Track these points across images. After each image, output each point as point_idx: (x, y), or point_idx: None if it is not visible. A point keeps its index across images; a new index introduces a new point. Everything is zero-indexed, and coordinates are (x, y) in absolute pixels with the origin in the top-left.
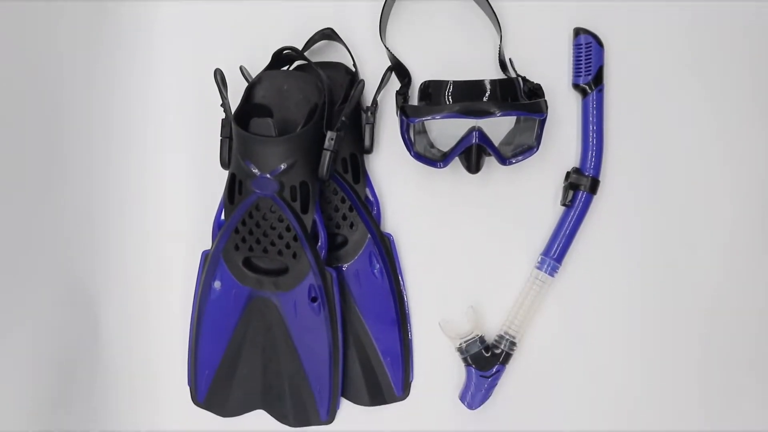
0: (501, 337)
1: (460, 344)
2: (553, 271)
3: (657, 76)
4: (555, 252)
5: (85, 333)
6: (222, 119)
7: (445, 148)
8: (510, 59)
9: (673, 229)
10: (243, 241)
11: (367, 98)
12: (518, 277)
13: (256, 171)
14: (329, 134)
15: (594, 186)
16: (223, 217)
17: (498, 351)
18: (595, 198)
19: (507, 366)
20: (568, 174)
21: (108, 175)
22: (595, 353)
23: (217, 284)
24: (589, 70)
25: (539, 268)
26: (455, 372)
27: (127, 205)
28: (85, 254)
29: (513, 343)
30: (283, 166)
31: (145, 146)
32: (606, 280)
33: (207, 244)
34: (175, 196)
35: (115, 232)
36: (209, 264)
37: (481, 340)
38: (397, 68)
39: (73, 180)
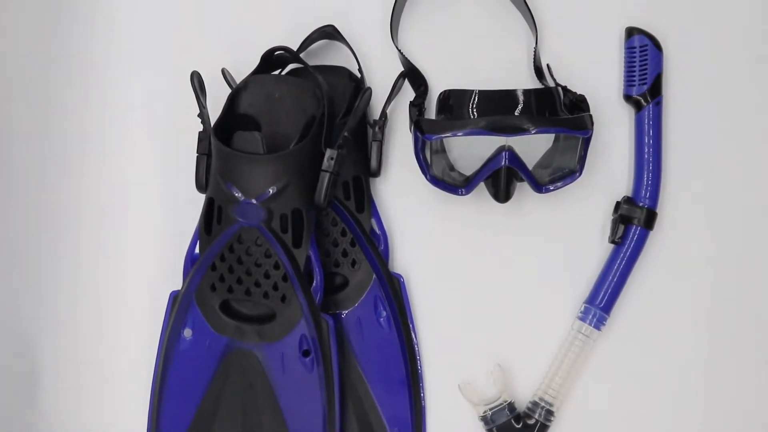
0: (535, 404)
1: (485, 412)
2: (599, 324)
3: (726, 86)
4: (602, 300)
5: (22, 388)
6: (199, 132)
7: (468, 172)
8: (548, 65)
9: (746, 271)
10: (221, 280)
11: (375, 110)
12: (557, 330)
13: (239, 195)
14: (329, 152)
15: (650, 219)
16: (197, 250)
17: (531, 421)
18: (652, 234)
19: None
20: (618, 204)
21: (57, 198)
22: (651, 425)
23: (187, 332)
24: (645, 79)
25: (582, 320)
26: None
27: (79, 234)
28: (25, 292)
29: (550, 412)
30: (272, 190)
31: (103, 163)
32: (664, 334)
33: (177, 283)
34: (140, 225)
35: (64, 266)
36: (178, 308)
37: (511, 407)
38: (411, 74)
39: (15, 201)
